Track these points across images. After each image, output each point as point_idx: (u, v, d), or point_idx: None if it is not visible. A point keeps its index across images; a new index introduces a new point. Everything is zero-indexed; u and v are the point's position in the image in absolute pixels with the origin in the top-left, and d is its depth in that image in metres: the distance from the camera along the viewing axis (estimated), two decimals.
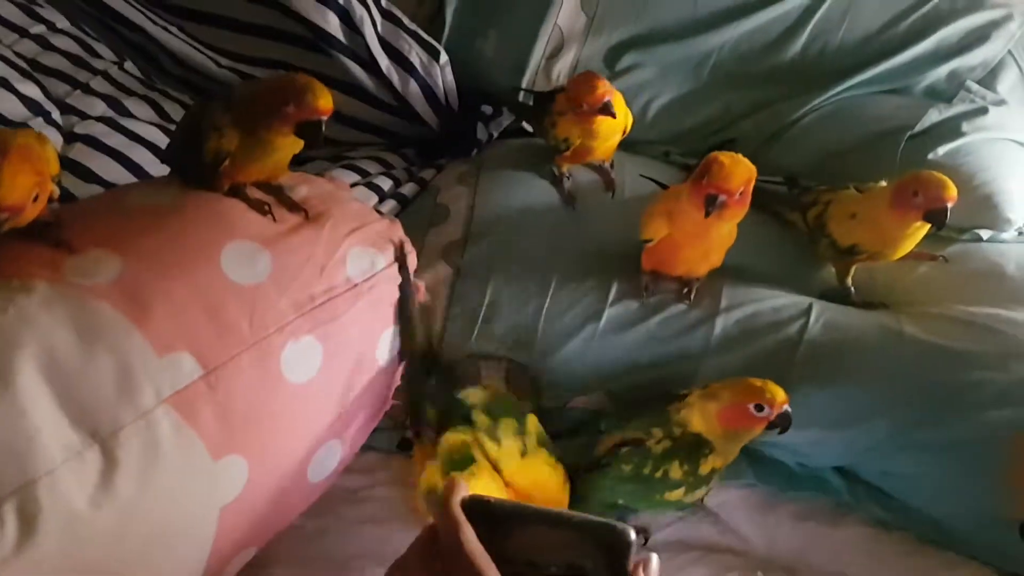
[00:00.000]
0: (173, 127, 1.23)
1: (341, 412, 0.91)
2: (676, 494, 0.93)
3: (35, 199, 0.75)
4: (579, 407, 1.09)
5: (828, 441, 1.01)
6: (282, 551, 0.91)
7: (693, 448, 0.91)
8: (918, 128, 1.22)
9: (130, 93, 1.25)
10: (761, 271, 1.15)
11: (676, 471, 0.92)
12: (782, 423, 0.89)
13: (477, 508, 0.51)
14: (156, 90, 1.29)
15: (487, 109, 1.38)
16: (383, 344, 0.94)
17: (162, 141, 1.18)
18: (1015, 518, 0.90)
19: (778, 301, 1.09)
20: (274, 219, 0.88)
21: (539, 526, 0.51)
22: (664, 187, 1.18)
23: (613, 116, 1.10)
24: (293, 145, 0.89)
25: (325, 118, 0.85)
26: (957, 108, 1.25)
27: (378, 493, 1.01)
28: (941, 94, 1.30)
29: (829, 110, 1.31)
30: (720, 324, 1.06)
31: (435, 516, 0.51)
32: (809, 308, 1.07)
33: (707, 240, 1.04)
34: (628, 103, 1.20)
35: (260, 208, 0.88)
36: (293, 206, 0.91)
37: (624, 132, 1.18)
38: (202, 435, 0.75)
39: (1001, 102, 1.29)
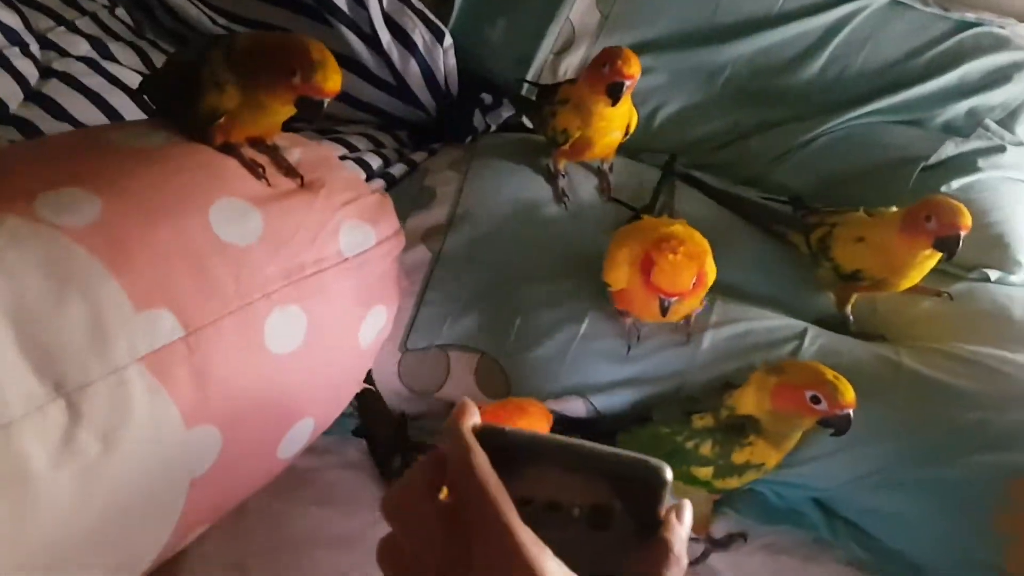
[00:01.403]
0: None
1: (318, 390, 0.85)
2: (704, 472, 0.89)
3: None
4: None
5: (813, 467, 0.94)
6: (217, 524, 0.84)
7: (732, 432, 0.87)
8: (933, 159, 1.17)
9: (117, 38, 1.19)
10: (756, 290, 1.09)
11: (707, 449, 0.88)
12: (838, 425, 0.82)
13: (491, 438, 0.43)
14: (145, 39, 1.23)
15: (487, 98, 1.32)
16: (366, 326, 0.89)
17: None
18: (1005, 567, 0.84)
19: (772, 322, 1.03)
20: (268, 183, 0.81)
21: (561, 460, 0.43)
22: (634, 210, 1.12)
23: (614, 103, 1.04)
24: (289, 111, 0.81)
25: (328, 100, 0.78)
26: (974, 143, 1.20)
27: (326, 476, 0.94)
28: (958, 130, 1.25)
29: (841, 135, 1.25)
30: (708, 339, 1.01)
31: (444, 441, 0.43)
32: (804, 332, 1.02)
33: None
34: (636, 108, 1.15)
35: (254, 171, 0.81)
36: (289, 170, 0.84)
37: (627, 132, 1.12)
38: (177, 400, 0.68)
39: (1020, 143, 1.24)
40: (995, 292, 1.09)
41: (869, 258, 1.01)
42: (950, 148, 1.18)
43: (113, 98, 1.09)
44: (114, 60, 1.15)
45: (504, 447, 0.43)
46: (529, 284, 1.04)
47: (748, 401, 0.86)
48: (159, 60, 1.21)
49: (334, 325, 0.83)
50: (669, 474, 0.43)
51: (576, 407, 1.01)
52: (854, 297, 1.07)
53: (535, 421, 0.85)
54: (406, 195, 1.15)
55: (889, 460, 0.91)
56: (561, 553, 0.40)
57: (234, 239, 0.75)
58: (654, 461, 0.43)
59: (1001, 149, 1.19)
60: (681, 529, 0.43)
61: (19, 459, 0.60)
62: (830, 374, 0.84)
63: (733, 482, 0.90)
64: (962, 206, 0.93)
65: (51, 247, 0.65)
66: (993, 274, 1.11)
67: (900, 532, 0.91)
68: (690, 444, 0.89)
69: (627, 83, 1.02)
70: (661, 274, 0.89)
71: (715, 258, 1.11)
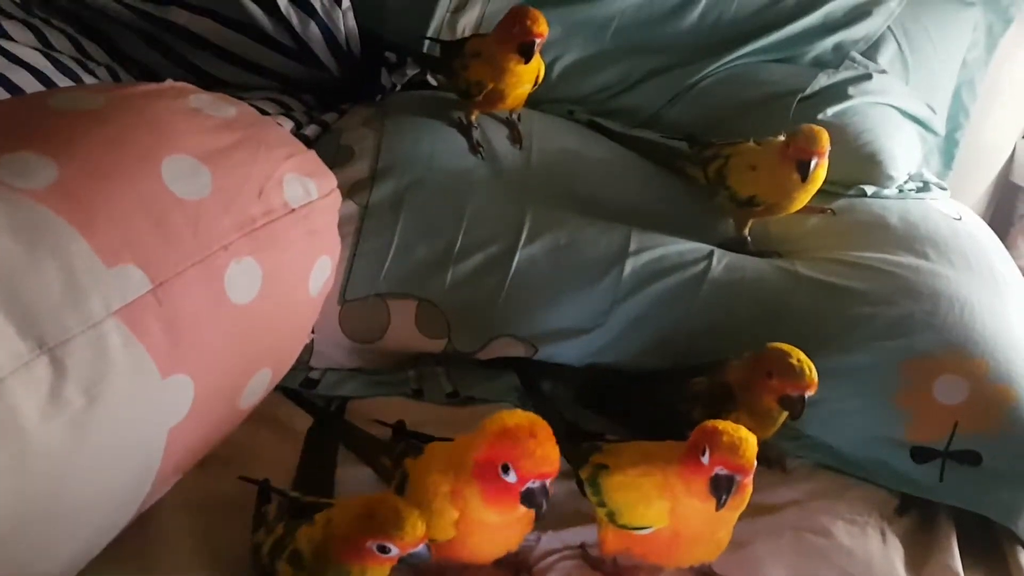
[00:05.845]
0: (56, 55, 1.15)
1: (275, 340, 0.88)
2: None
3: None
4: (492, 356, 1.09)
5: None
6: None
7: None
8: (808, 91, 1.28)
9: (9, 16, 1.16)
10: (665, 221, 1.17)
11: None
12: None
13: None
14: (37, 17, 1.20)
15: (391, 56, 1.36)
16: (315, 275, 0.92)
17: (44, 66, 1.10)
18: (906, 441, 0.96)
19: (683, 246, 1.12)
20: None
21: None
22: None
23: (526, 61, 1.09)
24: None
25: None
26: (844, 74, 1.32)
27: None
28: (827, 64, 1.36)
29: (724, 75, 1.35)
30: (630, 266, 1.09)
31: None
32: (711, 253, 1.11)
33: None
34: None
35: None
36: None
37: (536, 82, 1.18)
38: (151, 351, 0.71)
39: (883, 71, 1.37)
40: (872, 204, 1.21)
41: (762, 183, 1.11)
42: (823, 80, 1.30)
43: (15, 76, 1.06)
44: (10, 38, 1.12)
45: None
46: (460, 226, 1.09)
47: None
48: (55, 38, 1.18)
49: (286, 275, 0.86)
50: None
51: (517, 351, 1.08)
52: (751, 221, 1.17)
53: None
54: (323, 155, 1.14)
55: None
56: None
57: (187, 194, 0.77)
58: None
59: (868, 77, 1.31)
60: None
61: (12, 413, 0.61)
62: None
63: None
64: (821, 134, 1.04)
65: (15, 209, 0.66)
66: (869, 189, 1.23)
67: (813, 419, 1.00)
68: None
69: (537, 42, 1.08)
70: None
71: (625, 196, 1.19)
